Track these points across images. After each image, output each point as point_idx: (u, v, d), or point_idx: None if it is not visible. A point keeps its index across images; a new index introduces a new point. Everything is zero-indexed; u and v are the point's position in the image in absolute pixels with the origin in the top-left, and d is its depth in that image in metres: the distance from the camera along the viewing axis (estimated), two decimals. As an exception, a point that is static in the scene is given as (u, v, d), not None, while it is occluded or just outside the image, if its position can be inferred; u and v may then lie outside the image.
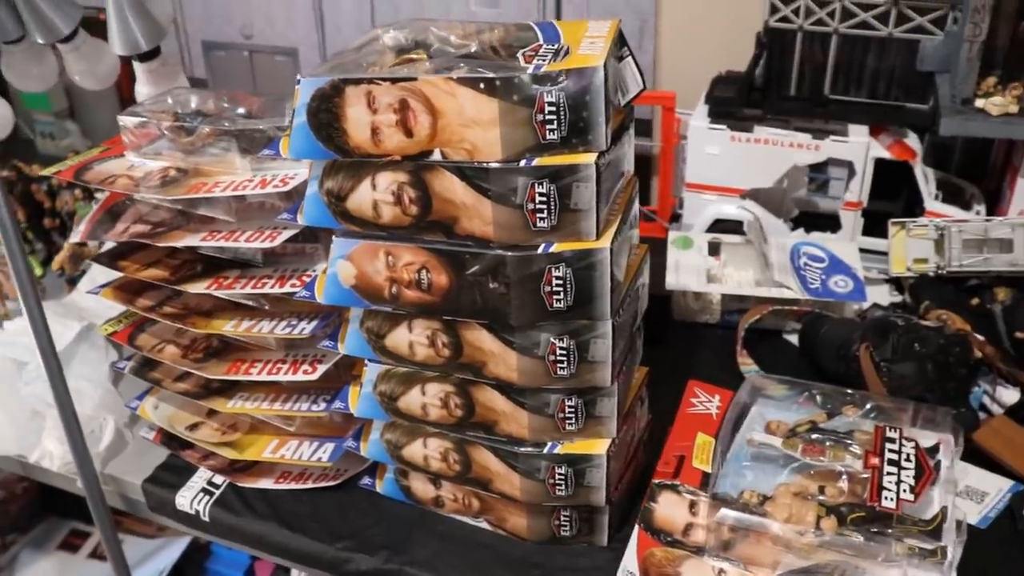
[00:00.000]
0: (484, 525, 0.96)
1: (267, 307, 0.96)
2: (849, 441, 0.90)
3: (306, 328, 0.95)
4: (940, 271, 1.23)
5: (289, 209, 0.88)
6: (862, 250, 1.30)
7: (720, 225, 1.35)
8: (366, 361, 0.90)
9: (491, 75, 0.72)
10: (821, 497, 0.84)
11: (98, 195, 1.02)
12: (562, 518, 0.91)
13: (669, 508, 0.90)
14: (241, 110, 0.98)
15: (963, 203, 1.31)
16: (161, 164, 0.96)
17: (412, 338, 0.85)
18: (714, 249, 1.30)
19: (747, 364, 1.16)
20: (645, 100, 1.45)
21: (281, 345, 1.00)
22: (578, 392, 0.84)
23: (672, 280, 1.25)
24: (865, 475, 0.86)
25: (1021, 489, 0.96)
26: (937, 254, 1.23)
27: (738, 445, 0.92)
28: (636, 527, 0.89)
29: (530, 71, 0.72)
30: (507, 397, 0.85)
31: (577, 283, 0.77)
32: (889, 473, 0.85)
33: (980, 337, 1.07)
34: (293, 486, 1.02)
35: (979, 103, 1.18)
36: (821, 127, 1.30)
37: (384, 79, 0.74)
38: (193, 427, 1.05)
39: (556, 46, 0.77)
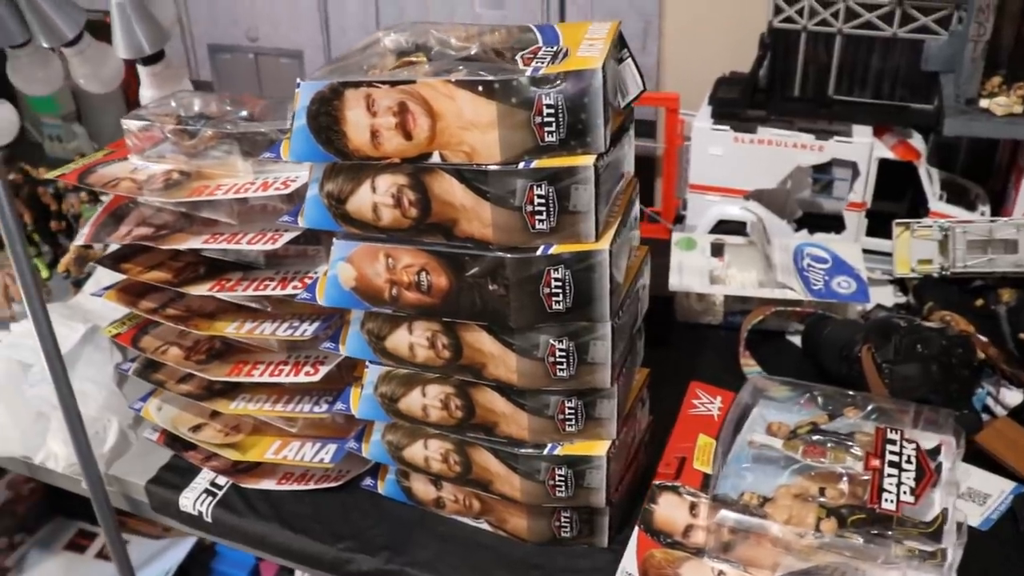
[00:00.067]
0: (485, 526, 0.97)
1: (269, 309, 0.97)
2: (850, 443, 0.90)
3: (308, 330, 0.95)
4: (944, 272, 1.23)
5: (290, 211, 0.88)
6: (866, 251, 1.30)
7: (724, 226, 1.35)
8: (367, 363, 0.90)
9: (489, 78, 0.72)
10: (821, 499, 0.84)
11: (103, 198, 1.03)
12: (562, 519, 0.92)
13: (669, 509, 0.90)
14: (244, 113, 0.98)
15: (968, 204, 1.30)
16: (164, 167, 0.97)
17: (412, 340, 0.86)
18: (717, 250, 1.30)
19: (750, 365, 1.15)
20: (649, 101, 1.46)
21: (283, 347, 1.00)
22: (578, 394, 0.84)
23: (675, 281, 1.25)
24: (866, 477, 0.85)
25: (1023, 491, 0.96)
26: (941, 255, 1.23)
27: (739, 446, 0.92)
28: (636, 528, 0.89)
29: (528, 73, 0.72)
30: (507, 399, 0.85)
31: (576, 285, 0.77)
32: (890, 475, 0.85)
33: (983, 338, 1.07)
34: (295, 487, 1.03)
35: (983, 103, 1.18)
36: (825, 128, 1.30)
37: (383, 82, 0.74)
38: (196, 428, 1.06)
39: (555, 48, 0.77)
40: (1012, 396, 1.05)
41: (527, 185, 0.74)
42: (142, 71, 1.09)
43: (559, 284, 0.77)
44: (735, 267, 1.29)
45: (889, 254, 1.28)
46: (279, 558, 1.03)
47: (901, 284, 1.27)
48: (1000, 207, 1.32)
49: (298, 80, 0.76)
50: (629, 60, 0.82)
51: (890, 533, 0.80)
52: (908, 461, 0.86)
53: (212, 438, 1.05)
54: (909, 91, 1.30)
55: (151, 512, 1.09)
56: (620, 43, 0.80)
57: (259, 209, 0.95)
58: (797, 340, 1.21)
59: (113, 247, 1.03)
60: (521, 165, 0.74)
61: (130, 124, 0.97)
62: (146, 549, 1.77)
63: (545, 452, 0.86)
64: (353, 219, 0.80)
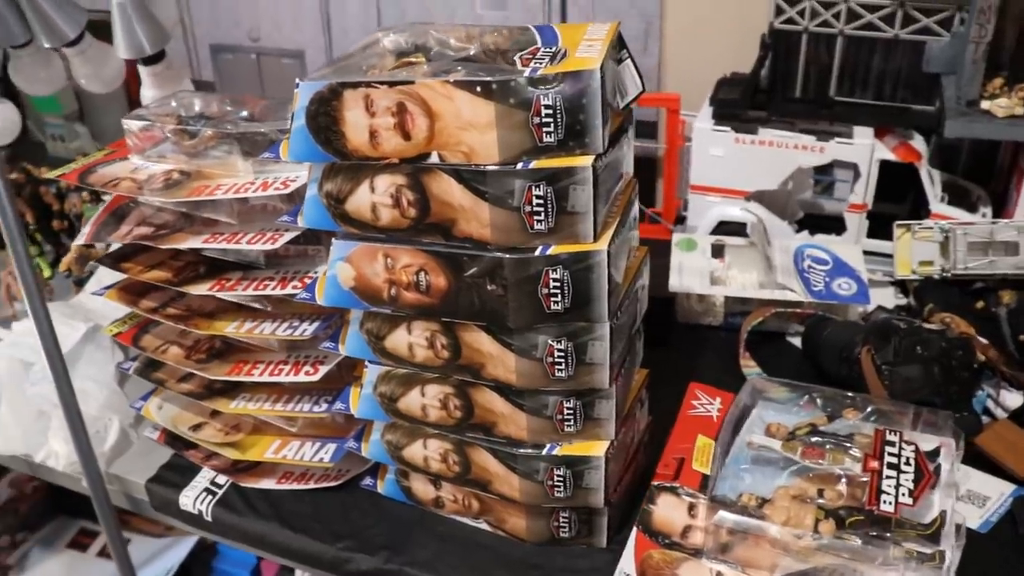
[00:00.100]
0: (484, 526, 0.97)
1: (269, 308, 0.97)
2: (849, 444, 0.90)
3: (307, 329, 0.95)
4: (945, 274, 1.22)
5: (290, 211, 0.88)
6: (867, 252, 1.30)
7: (724, 227, 1.35)
8: (366, 362, 0.90)
9: (487, 78, 0.72)
10: (820, 500, 0.84)
11: (104, 197, 1.03)
12: (561, 519, 0.92)
13: (668, 510, 0.90)
14: (244, 113, 0.98)
15: (969, 205, 1.30)
16: (165, 167, 0.97)
17: (411, 340, 0.86)
18: (718, 251, 1.30)
19: (750, 366, 1.15)
20: (650, 102, 1.46)
21: (283, 346, 1.00)
22: (576, 394, 0.84)
23: (676, 282, 1.25)
24: (864, 478, 0.85)
25: (1023, 493, 0.95)
26: (942, 257, 1.23)
27: (738, 447, 0.92)
28: (634, 529, 0.89)
29: (526, 74, 0.72)
30: (506, 399, 0.85)
31: (574, 285, 0.78)
32: (888, 477, 0.85)
33: (983, 340, 1.06)
34: (295, 486, 1.03)
35: (985, 105, 1.18)
36: (826, 129, 1.30)
37: (382, 82, 0.74)
38: (196, 427, 1.06)
39: (553, 49, 0.77)
40: (1012, 398, 1.05)
41: (525, 185, 0.74)
42: (143, 71, 1.09)
43: (557, 284, 0.77)
44: (735, 268, 1.29)
45: (890, 256, 1.27)
46: (278, 557, 1.03)
47: (902, 286, 1.27)
48: (1001, 209, 1.32)
49: (297, 80, 0.76)
50: (628, 61, 0.82)
51: (888, 535, 0.80)
52: (907, 463, 0.86)
53: (212, 437, 1.05)
54: (910, 92, 1.30)
55: (151, 511, 1.10)
56: (619, 44, 0.80)
57: (259, 209, 0.96)
58: (797, 341, 1.21)
59: (114, 246, 1.04)
60: (519, 165, 0.74)
61: (130, 124, 0.98)
62: (148, 547, 1.77)
63: (544, 452, 0.86)
64: (352, 219, 0.81)
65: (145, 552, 1.75)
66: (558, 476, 0.87)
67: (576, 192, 0.74)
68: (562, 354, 0.81)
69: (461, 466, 0.91)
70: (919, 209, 1.31)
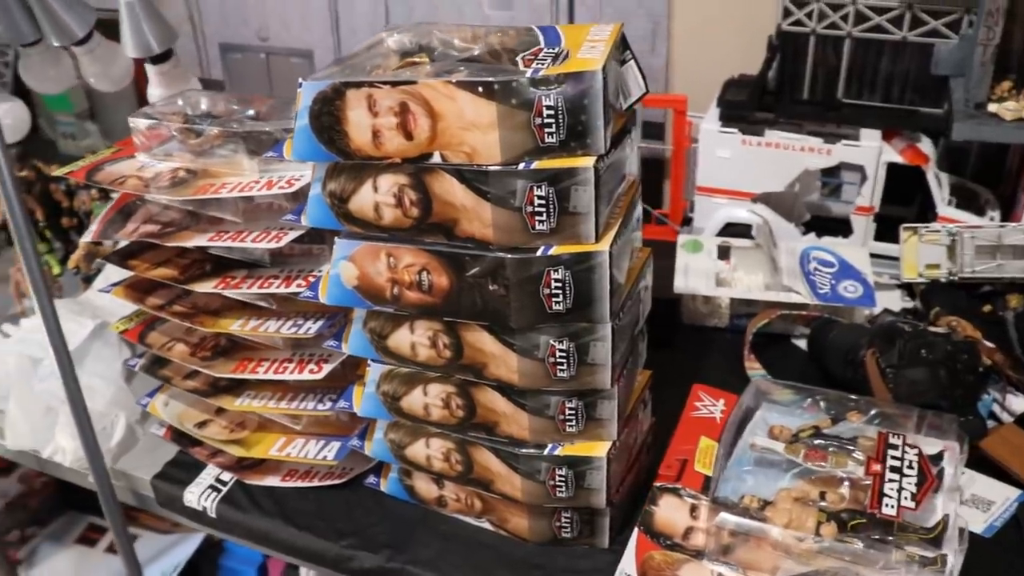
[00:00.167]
0: (486, 525, 0.97)
1: (274, 307, 0.97)
2: (852, 447, 0.89)
3: (312, 328, 0.96)
4: (952, 277, 1.22)
5: (294, 210, 0.89)
6: (874, 255, 1.29)
7: (731, 229, 1.34)
8: (369, 361, 0.91)
9: (489, 79, 0.72)
10: (822, 503, 0.84)
11: (112, 195, 1.04)
12: (563, 520, 0.92)
13: (670, 511, 0.90)
14: (250, 112, 0.99)
15: (977, 208, 1.30)
16: (171, 165, 0.98)
17: (414, 339, 0.86)
18: (724, 253, 1.30)
19: (755, 368, 1.15)
20: (657, 103, 1.46)
21: (287, 344, 1.01)
22: (578, 394, 0.84)
23: (681, 284, 1.24)
24: (867, 481, 0.85)
25: (1028, 498, 0.95)
26: (949, 260, 1.22)
27: (740, 449, 0.92)
28: (636, 530, 0.89)
29: (528, 75, 0.72)
30: (508, 398, 0.85)
31: (576, 285, 0.78)
32: (891, 480, 0.85)
33: (989, 344, 1.06)
34: (299, 484, 1.03)
35: (993, 108, 1.18)
36: (833, 131, 1.30)
37: (384, 82, 0.75)
38: (202, 424, 1.07)
39: (556, 50, 0.77)
40: (1018, 403, 1.05)
41: (527, 186, 0.74)
42: (150, 70, 1.10)
43: (559, 285, 0.77)
44: (741, 270, 1.29)
45: (897, 258, 1.27)
46: (282, 554, 1.04)
47: (908, 289, 1.27)
48: (1010, 212, 1.31)
49: (300, 80, 0.77)
50: (632, 62, 0.82)
51: (890, 538, 0.80)
52: (910, 466, 0.86)
53: (217, 434, 1.06)
54: (918, 95, 1.29)
55: (157, 507, 1.10)
56: (623, 45, 0.80)
57: (264, 207, 0.96)
58: (803, 344, 1.21)
59: (121, 244, 1.04)
60: (521, 166, 0.74)
61: (137, 122, 0.98)
62: (156, 544, 1.78)
63: (546, 452, 0.86)
64: (355, 218, 0.81)
65: (153, 548, 1.76)
66: (560, 476, 0.87)
67: (578, 193, 0.74)
68: (564, 354, 0.81)
69: (463, 465, 0.91)
70: (926, 212, 1.31)
